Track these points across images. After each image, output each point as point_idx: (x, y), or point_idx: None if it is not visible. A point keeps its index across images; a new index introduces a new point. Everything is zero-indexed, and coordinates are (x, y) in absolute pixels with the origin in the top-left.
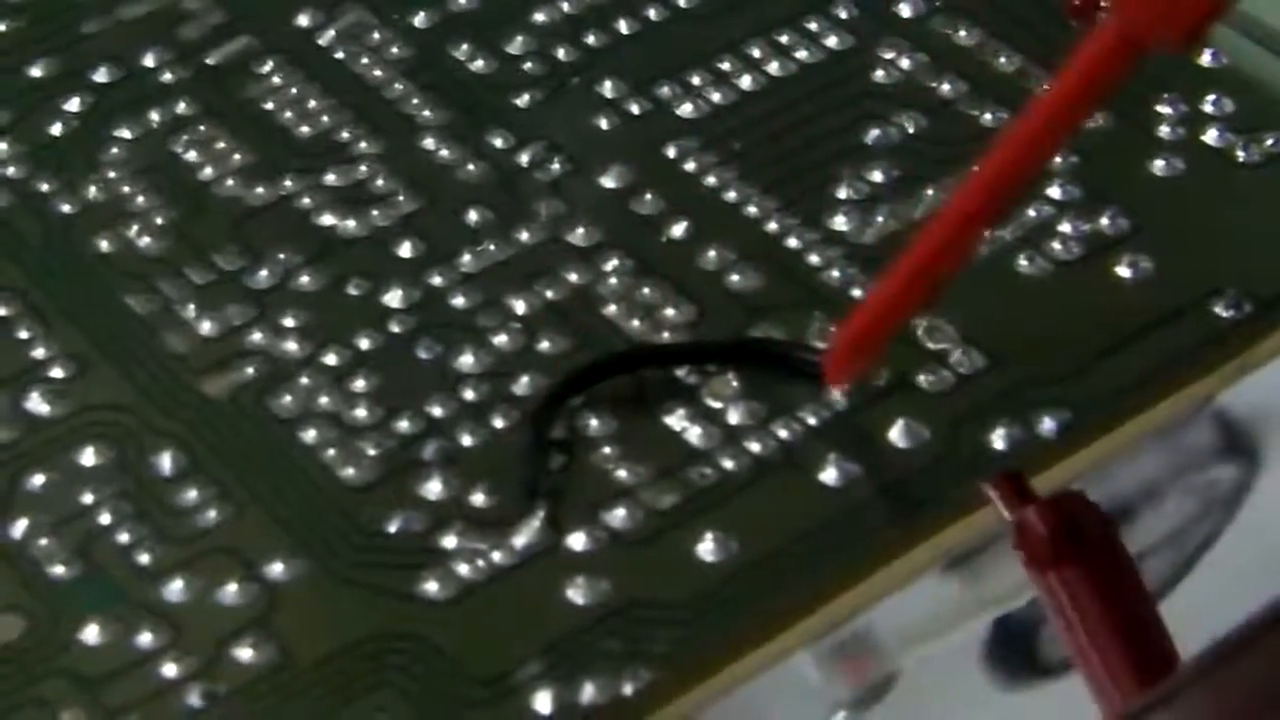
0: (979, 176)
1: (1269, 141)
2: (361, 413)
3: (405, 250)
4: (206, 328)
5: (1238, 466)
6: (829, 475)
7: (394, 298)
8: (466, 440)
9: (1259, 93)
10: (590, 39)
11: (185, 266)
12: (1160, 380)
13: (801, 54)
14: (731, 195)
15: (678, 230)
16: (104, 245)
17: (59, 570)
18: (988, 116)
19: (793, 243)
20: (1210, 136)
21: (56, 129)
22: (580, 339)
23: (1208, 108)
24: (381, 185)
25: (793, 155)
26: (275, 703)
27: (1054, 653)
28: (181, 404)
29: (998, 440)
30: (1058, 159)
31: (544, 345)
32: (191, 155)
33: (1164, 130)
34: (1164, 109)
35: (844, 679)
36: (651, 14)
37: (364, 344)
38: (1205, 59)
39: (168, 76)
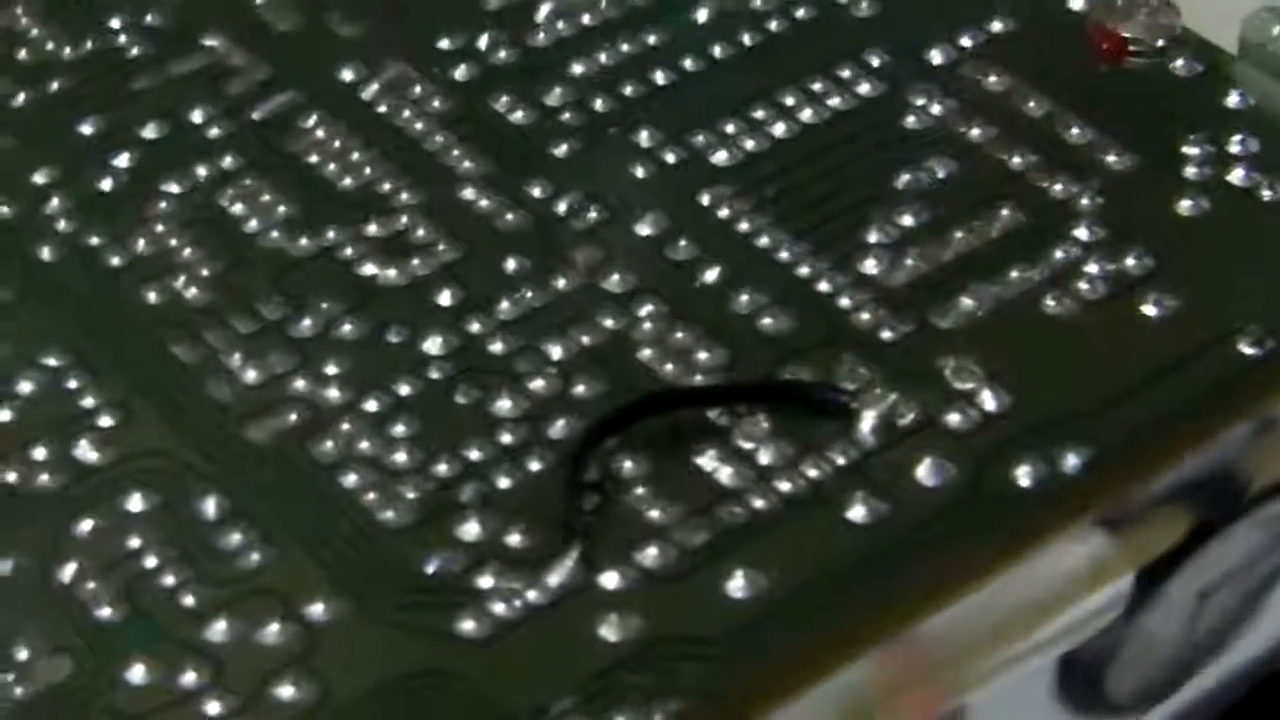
0: None
1: None
2: (401, 457)
3: (445, 298)
4: (251, 376)
5: None
6: (857, 513)
7: (433, 345)
8: (503, 483)
9: None
10: (627, 89)
11: (230, 316)
12: (1186, 417)
13: (834, 101)
14: (764, 241)
15: (711, 276)
16: (151, 297)
17: (106, 612)
18: (1016, 160)
19: (824, 286)
20: (1236, 176)
21: (106, 184)
22: (615, 383)
23: (1234, 148)
24: (422, 235)
25: (824, 201)
26: None
27: (1121, 689)
28: (226, 450)
29: (1023, 478)
30: (1084, 201)
31: (579, 389)
32: (237, 208)
33: (1190, 171)
34: (1190, 150)
35: (909, 717)
36: (687, 64)
37: (404, 390)
38: (1231, 100)
39: (214, 131)
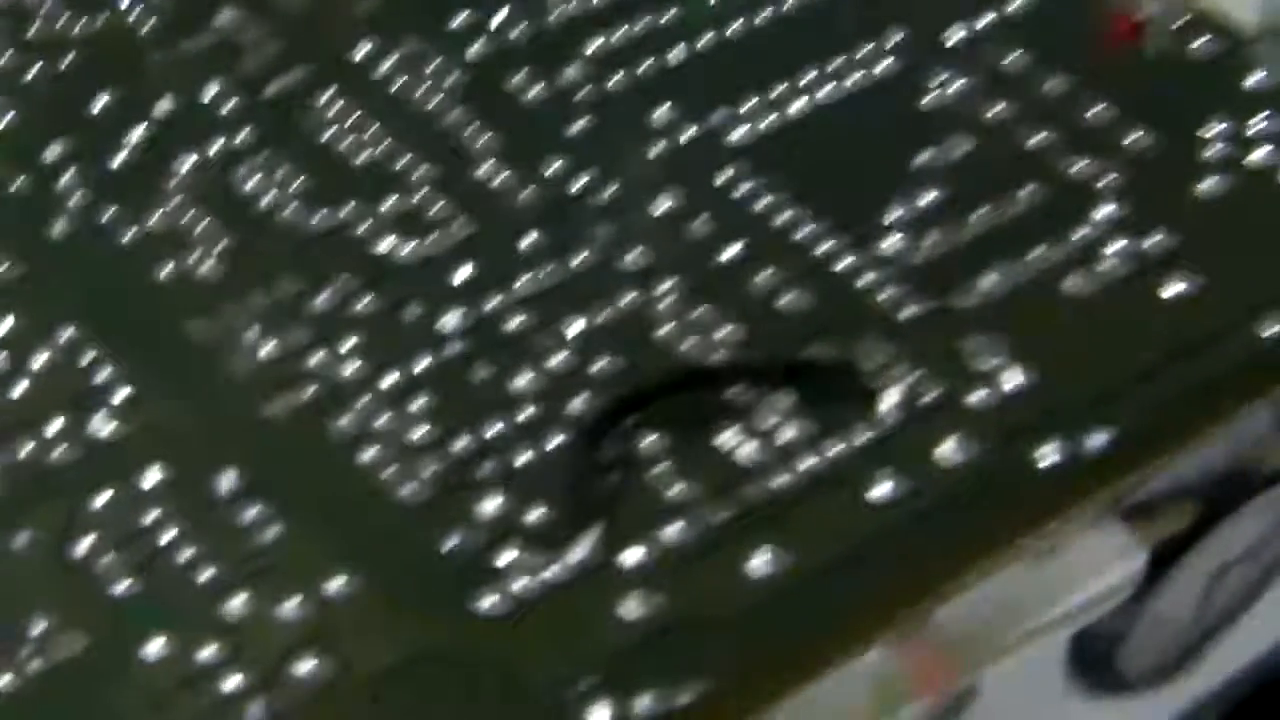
0: None
1: None
2: (418, 433)
3: (461, 274)
4: (266, 351)
5: None
6: (879, 492)
7: (450, 321)
8: (522, 459)
9: None
10: (642, 68)
11: (245, 292)
12: (1205, 397)
13: (852, 80)
14: (782, 219)
15: (730, 253)
16: (165, 272)
17: (121, 587)
18: (1035, 139)
19: (842, 265)
20: (1256, 156)
21: (119, 160)
22: (633, 360)
23: (1254, 128)
24: (437, 211)
25: (843, 179)
26: (333, 717)
27: (1133, 667)
28: (242, 426)
29: (1045, 457)
30: (1104, 181)
31: (598, 367)
32: (251, 184)
33: (1210, 152)
34: (1211, 130)
35: (919, 692)
36: (702, 43)
37: (420, 366)
38: (1251, 81)
39: (227, 107)
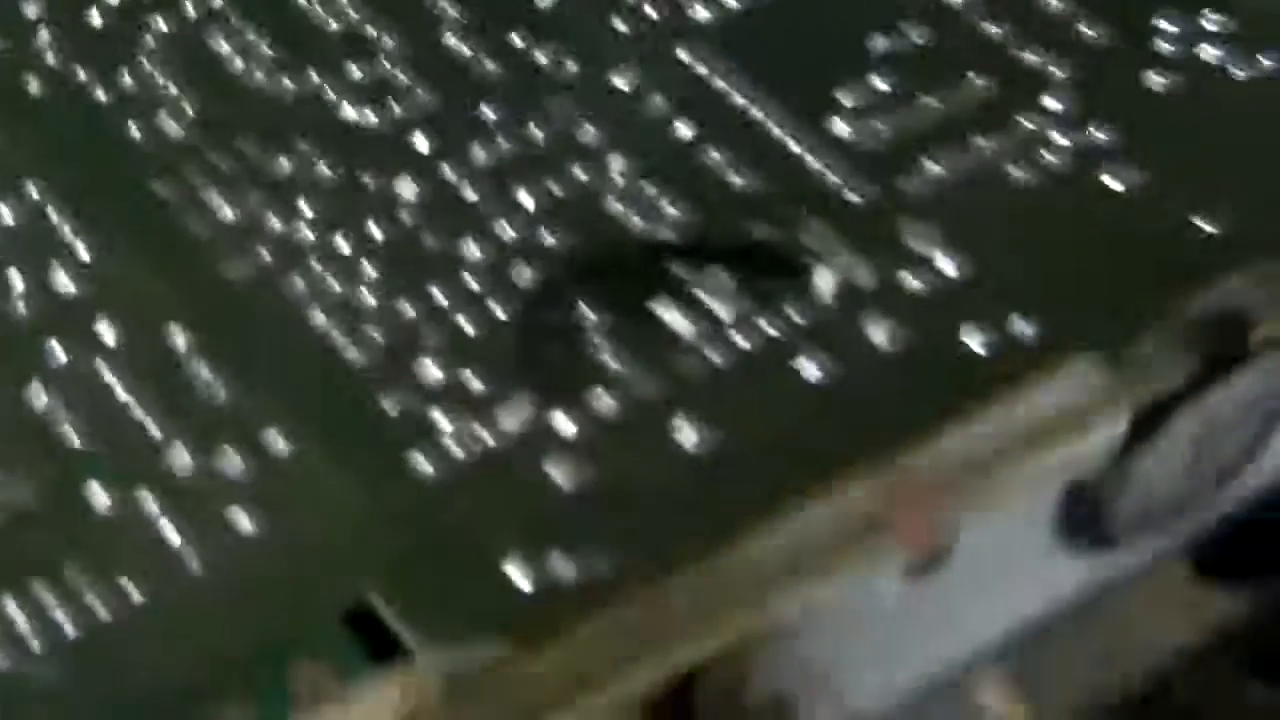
0: None
1: (1266, 61)
2: (369, 298)
3: (420, 144)
4: (228, 214)
5: None
6: (812, 372)
7: (406, 189)
8: (468, 328)
9: (1258, 11)
10: None
11: (210, 155)
12: (1142, 293)
13: None
14: (738, 99)
15: (684, 131)
16: (135, 133)
17: (74, 441)
18: (993, 29)
19: (794, 147)
20: (1207, 53)
21: (95, 19)
22: (583, 234)
23: (1206, 24)
24: (401, 80)
25: (800, 62)
26: (269, 572)
27: (1119, 526)
28: (200, 286)
29: (977, 345)
30: (1055, 70)
31: (548, 239)
32: (223, 48)
33: (1162, 45)
34: (1163, 24)
35: (901, 540)
36: None
37: (375, 233)
38: None
39: None
